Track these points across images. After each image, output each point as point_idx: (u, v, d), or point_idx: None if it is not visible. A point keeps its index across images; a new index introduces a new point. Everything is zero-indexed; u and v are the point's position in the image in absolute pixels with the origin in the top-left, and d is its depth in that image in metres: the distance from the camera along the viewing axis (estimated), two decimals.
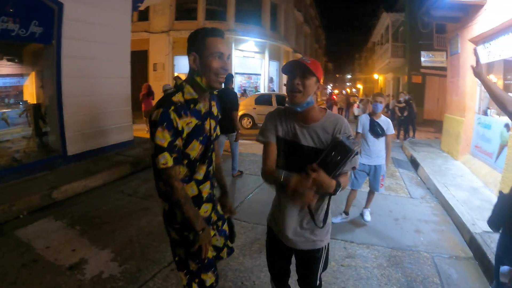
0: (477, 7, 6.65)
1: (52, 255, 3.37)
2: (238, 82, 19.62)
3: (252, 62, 21.46)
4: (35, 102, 6.78)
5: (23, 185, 5.09)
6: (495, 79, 7.50)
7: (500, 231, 2.21)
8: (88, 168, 6.09)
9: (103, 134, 7.37)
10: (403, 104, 11.88)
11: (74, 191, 5.23)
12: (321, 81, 1.77)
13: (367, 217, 4.49)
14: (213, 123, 1.83)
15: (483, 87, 7.36)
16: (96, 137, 7.14)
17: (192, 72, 1.69)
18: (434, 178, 6.10)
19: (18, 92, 6.87)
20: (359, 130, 4.26)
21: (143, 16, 17.46)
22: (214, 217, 1.94)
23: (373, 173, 4.33)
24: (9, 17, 5.19)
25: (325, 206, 1.81)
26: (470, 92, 7.63)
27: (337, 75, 78.60)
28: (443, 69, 12.97)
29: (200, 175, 1.79)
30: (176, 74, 19.23)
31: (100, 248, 3.55)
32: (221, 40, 1.66)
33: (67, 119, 6.40)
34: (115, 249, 3.52)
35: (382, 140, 4.23)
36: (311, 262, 1.90)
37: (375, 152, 4.24)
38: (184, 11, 18.81)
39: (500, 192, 2.25)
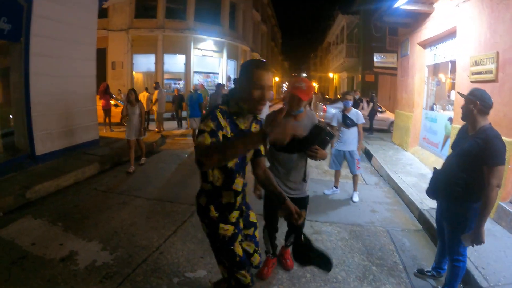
0: (425, 15, 7.40)
1: (40, 251, 3.43)
2: (196, 81, 19.59)
3: (211, 61, 21.50)
4: None
5: None
6: (444, 78, 8.39)
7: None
8: (57, 167, 6.07)
9: (70, 133, 7.34)
10: (371, 105, 12.48)
11: (47, 191, 5.22)
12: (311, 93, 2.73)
13: (356, 198, 5.19)
14: None
15: (430, 86, 8.23)
16: (63, 137, 7.11)
17: (238, 97, 1.84)
18: (386, 167, 6.78)
19: None
20: (334, 124, 5.20)
21: (102, 13, 16.86)
22: (241, 224, 2.09)
23: (349, 157, 5.16)
24: None
25: (306, 167, 2.88)
26: (418, 89, 8.44)
27: (293, 74, 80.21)
28: (395, 68, 13.88)
29: (238, 187, 1.96)
30: (134, 72, 18.98)
31: (87, 240, 3.69)
32: (264, 73, 1.76)
33: (35, 119, 6.33)
34: (102, 240, 3.69)
35: (352, 130, 5.05)
36: (303, 206, 2.85)
37: (348, 140, 5.10)
38: (144, 9, 18.55)
39: (434, 168, 2.85)
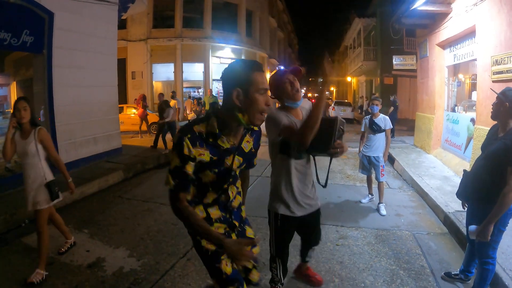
0: (443, 15, 7.28)
1: (67, 257, 3.50)
2: (215, 89, 19.81)
3: None
4: None
5: (19, 195, 5.10)
6: (464, 78, 8.22)
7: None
8: (81, 175, 6.19)
9: (93, 142, 7.52)
10: (392, 108, 12.31)
11: (71, 198, 5.30)
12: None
13: (383, 211, 4.80)
14: (238, 159, 1.75)
15: (451, 87, 8.08)
16: (86, 145, 7.28)
17: (232, 108, 1.57)
18: (409, 170, 6.66)
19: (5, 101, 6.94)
20: (362, 129, 5.12)
21: (121, 24, 17.21)
22: (234, 238, 1.86)
23: (374, 163, 4.98)
24: (1, 26, 5.25)
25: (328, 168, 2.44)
26: (439, 91, 8.28)
27: (310, 79, 80.00)
28: (414, 70, 13.66)
29: (208, 200, 1.78)
30: (154, 82, 19.31)
31: (114, 247, 3.75)
32: (264, 75, 1.61)
33: (59, 128, 6.51)
34: (129, 247, 3.74)
35: (379, 135, 4.92)
36: (318, 218, 2.63)
37: (374, 146, 4.95)
38: (162, 19, 18.89)
39: (464, 170, 2.81)
